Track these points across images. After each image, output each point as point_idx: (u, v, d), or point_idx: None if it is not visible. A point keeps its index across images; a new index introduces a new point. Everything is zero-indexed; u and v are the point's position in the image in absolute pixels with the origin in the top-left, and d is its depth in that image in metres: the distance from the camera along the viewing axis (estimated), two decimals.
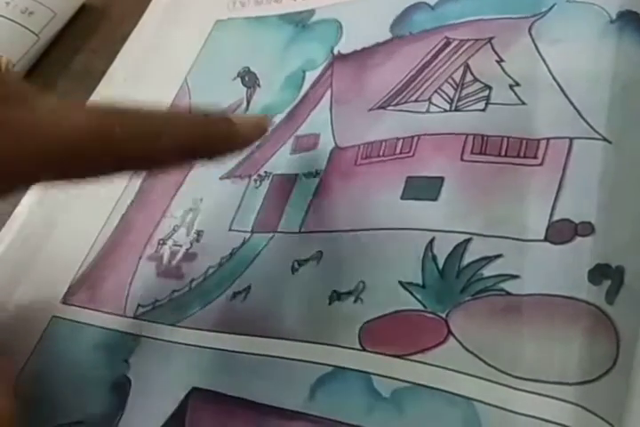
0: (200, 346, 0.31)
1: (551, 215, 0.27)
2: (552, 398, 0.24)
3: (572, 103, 0.28)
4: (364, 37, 0.36)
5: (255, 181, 0.35)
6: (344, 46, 0.37)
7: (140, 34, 0.45)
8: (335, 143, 0.34)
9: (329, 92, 0.36)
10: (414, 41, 0.34)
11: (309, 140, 0.35)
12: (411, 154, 0.31)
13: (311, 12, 0.40)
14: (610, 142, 0.27)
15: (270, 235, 0.33)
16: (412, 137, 0.31)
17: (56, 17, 0.48)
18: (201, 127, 0.29)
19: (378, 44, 0.36)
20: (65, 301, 0.37)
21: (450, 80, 0.31)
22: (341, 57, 0.37)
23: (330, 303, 0.29)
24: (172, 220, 0.37)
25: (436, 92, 0.31)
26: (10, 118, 0.23)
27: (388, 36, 0.36)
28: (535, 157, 0.28)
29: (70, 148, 0.24)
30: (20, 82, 0.29)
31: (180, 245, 0.35)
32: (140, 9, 0.47)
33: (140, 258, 0.36)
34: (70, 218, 0.40)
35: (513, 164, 0.28)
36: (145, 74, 0.43)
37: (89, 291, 0.37)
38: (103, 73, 0.44)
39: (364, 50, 0.36)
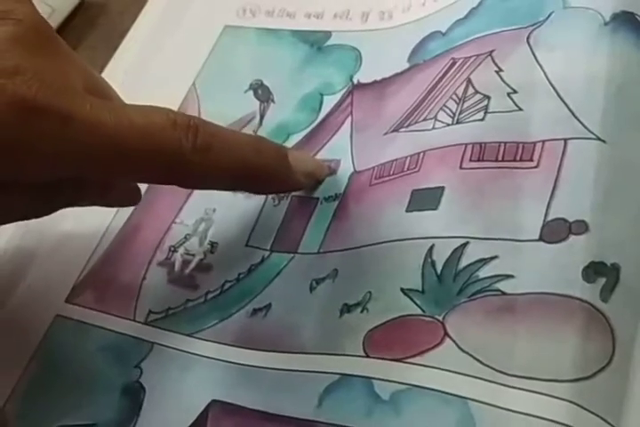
0: (220, 360, 0.32)
1: (546, 215, 0.27)
2: (547, 395, 0.24)
3: (566, 105, 0.28)
4: (383, 68, 0.37)
5: (273, 199, 0.36)
6: (364, 76, 0.38)
7: (140, 30, 0.46)
8: (354, 168, 0.35)
9: (349, 120, 0.37)
10: (426, 67, 0.35)
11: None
12: (417, 169, 0.31)
13: (327, 35, 0.40)
14: (604, 142, 0.27)
15: (291, 255, 0.34)
16: (419, 153, 0.31)
17: (55, 13, 0.48)
18: (254, 152, 0.30)
19: (396, 75, 0.37)
20: (69, 300, 0.37)
21: (453, 96, 0.32)
22: (361, 86, 0.38)
23: (340, 316, 0.30)
24: (182, 227, 0.37)
25: (441, 109, 0.32)
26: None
27: (406, 66, 0.37)
28: (531, 160, 0.28)
29: (125, 149, 0.26)
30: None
31: (193, 255, 0.36)
32: (139, 5, 0.47)
33: (149, 262, 0.37)
34: (74, 213, 0.38)
35: (509, 168, 0.28)
36: (146, 71, 0.44)
37: (95, 292, 0.37)
38: (102, 69, 0.44)
39: (383, 80, 0.37)
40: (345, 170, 0.35)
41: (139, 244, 0.38)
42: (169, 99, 0.41)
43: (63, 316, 0.37)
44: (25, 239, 0.40)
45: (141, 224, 0.39)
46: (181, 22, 0.45)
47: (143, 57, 0.45)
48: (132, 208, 0.39)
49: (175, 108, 0.41)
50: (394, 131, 0.34)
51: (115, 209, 0.39)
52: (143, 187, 0.38)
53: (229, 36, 0.44)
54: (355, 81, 0.38)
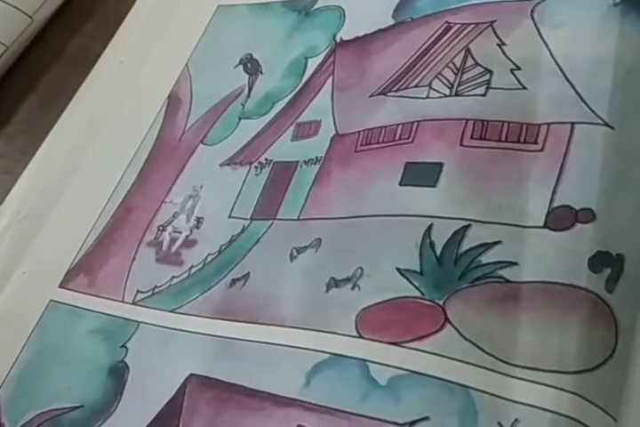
0: (199, 333, 0.31)
1: (551, 201, 0.26)
2: (549, 386, 0.24)
3: (573, 87, 0.28)
4: (366, 24, 0.36)
5: (256, 168, 0.35)
6: (346, 33, 0.36)
7: (137, 15, 0.45)
8: (336, 130, 0.33)
9: (330, 79, 0.35)
10: (415, 26, 0.34)
11: (310, 127, 0.34)
12: (410, 140, 0.30)
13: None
14: (612, 128, 0.27)
15: (269, 222, 0.32)
16: (412, 123, 0.30)
17: None
18: None
19: (380, 31, 0.35)
20: (63, 285, 0.37)
21: (450, 65, 0.31)
22: (343, 44, 0.36)
23: (327, 291, 0.29)
24: (171, 206, 0.37)
25: (436, 77, 0.31)
26: None
27: (391, 22, 0.35)
28: (536, 143, 0.28)
29: None
30: None
31: (180, 232, 0.35)
32: None
33: (139, 244, 0.36)
34: (68, 201, 0.39)
35: (513, 149, 0.28)
36: (143, 57, 0.43)
37: (87, 276, 0.36)
38: (99, 56, 0.44)
39: (365, 36, 0.36)
40: (326, 132, 0.34)
41: (130, 226, 0.37)
42: (163, 82, 0.42)
43: (57, 301, 0.36)
44: (21, 226, 0.39)
45: (133, 206, 0.38)
46: (177, 6, 0.44)
47: (140, 43, 0.44)
48: (126, 190, 0.38)
49: (168, 90, 0.41)
50: (380, 93, 0.33)
51: (109, 192, 0.39)
52: (137, 168, 0.39)
53: (222, 14, 0.43)
54: (337, 39, 0.36)
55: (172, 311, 0.33)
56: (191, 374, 0.30)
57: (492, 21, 0.31)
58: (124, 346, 0.33)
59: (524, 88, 0.29)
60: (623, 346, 0.24)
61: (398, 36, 0.34)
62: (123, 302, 0.34)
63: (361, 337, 0.27)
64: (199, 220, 0.35)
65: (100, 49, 0.44)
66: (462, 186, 0.28)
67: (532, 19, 0.30)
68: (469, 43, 0.31)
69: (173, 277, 0.34)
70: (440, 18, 0.33)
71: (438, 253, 0.27)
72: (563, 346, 0.24)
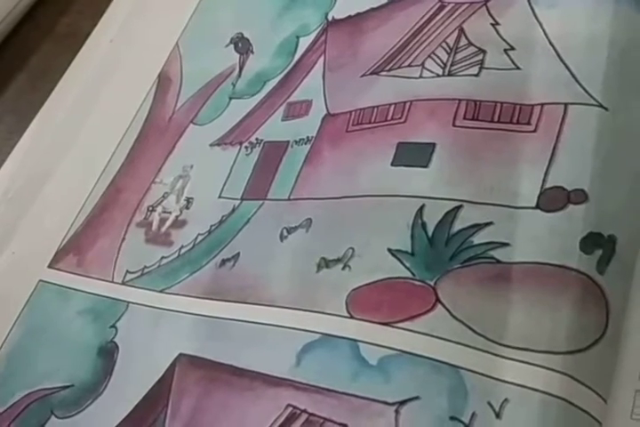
0: (188, 313, 0.31)
1: (544, 182, 0.26)
2: (540, 366, 0.24)
3: (567, 68, 0.28)
4: (358, 2, 0.36)
5: (246, 148, 0.35)
6: (338, 12, 0.36)
7: None
8: (327, 110, 0.33)
9: (322, 59, 0.35)
10: (409, 5, 0.34)
11: (301, 106, 0.34)
12: (402, 120, 0.30)
13: None
14: (606, 109, 0.27)
15: (260, 202, 0.32)
16: (404, 103, 0.30)
17: None
18: None
19: (372, 10, 0.35)
20: (52, 265, 0.37)
21: (443, 44, 0.31)
22: (335, 22, 0.36)
23: (317, 271, 0.29)
24: (161, 186, 0.37)
25: (429, 56, 0.31)
26: None
27: (384, 0, 0.35)
28: (529, 124, 0.27)
29: None
30: None
31: (170, 212, 0.35)
32: None
33: (128, 224, 0.36)
34: (57, 181, 0.39)
35: (506, 130, 0.28)
36: (133, 35, 0.43)
37: (76, 256, 0.37)
38: (88, 35, 0.43)
39: (358, 15, 0.35)
40: (317, 111, 0.33)
41: (119, 206, 0.37)
42: (153, 61, 0.41)
43: (46, 281, 0.36)
44: (9, 206, 0.39)
45: (122, 186, 0.38)
46: None
47: (130, 21, 0.43)
48: (115, 170, 0.38)
49: (158, 69, 0.41)
50: (372, 73, 0.33)
51: (99, 172, 0.39)
52: (126, 148, 0.39)
53: None
54: (329, 18, 0.36)
55: (161, 291, 0.33)
56: (180, 354, 0.30)
57: (486, 0, 0.31)
58: (113, 326, 0.33)
59: (518, 68, 0.29)
60: (614, 327, 0.24)
61: (391, 14, 0.34)
62: (112, 282, 0.35)
63: (351, 317, 0.27)
64: (189, 200, 0.35)
65: (90, 27, 0.44)
66: (454, 166, 0.28)
67: None
68: (463, 22, 0.31)
69: (163, 257, 0.34)
70: None
71: (430, 233, 0.27)
72: (553, 327, 0.24)
